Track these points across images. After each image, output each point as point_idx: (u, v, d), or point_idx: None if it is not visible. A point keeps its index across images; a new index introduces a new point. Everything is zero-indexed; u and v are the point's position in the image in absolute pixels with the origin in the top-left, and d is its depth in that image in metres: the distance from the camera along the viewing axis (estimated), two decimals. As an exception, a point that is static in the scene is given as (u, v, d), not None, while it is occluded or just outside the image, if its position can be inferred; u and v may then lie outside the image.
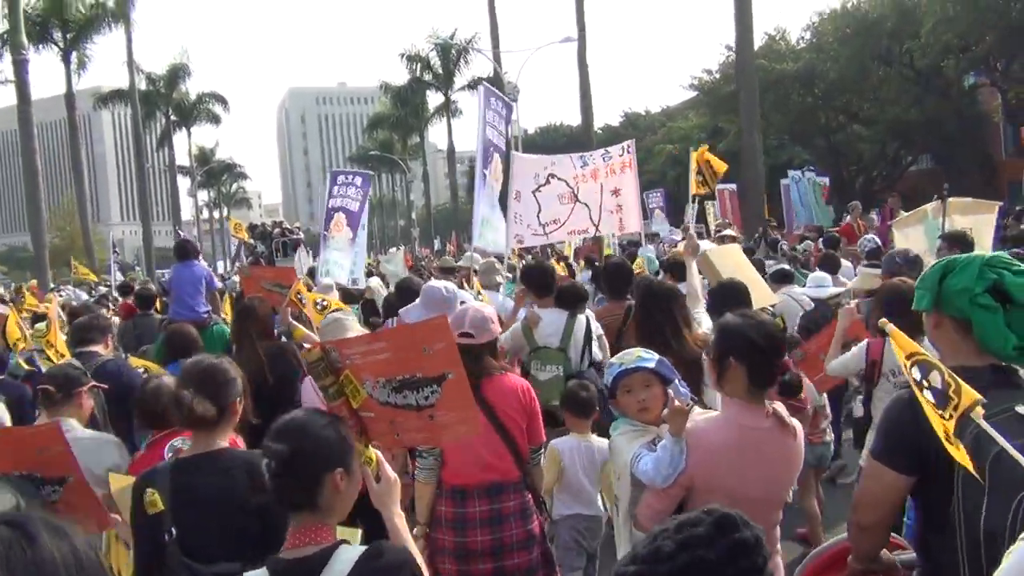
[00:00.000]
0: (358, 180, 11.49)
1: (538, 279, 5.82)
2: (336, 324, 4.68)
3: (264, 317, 5.15)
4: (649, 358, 3.03)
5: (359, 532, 2.59)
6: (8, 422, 4.17)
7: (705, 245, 6.14)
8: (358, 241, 11.24)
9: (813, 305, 6.41)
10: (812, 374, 4.81)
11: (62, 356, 5.20)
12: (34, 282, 11.96)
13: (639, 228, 8.65)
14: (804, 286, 6.94)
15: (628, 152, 8.12)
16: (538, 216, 8.00)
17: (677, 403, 2.85)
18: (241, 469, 2.62)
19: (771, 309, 6.55)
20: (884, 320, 2.12)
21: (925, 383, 1.93)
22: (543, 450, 3.70)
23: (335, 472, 2.01)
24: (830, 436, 5.39)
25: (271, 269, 10.45)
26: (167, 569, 2.50)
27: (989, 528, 1.92)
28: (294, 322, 5.30)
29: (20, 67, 24.33)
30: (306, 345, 2.90)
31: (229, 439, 2.84)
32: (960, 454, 1.84)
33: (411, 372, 2.36)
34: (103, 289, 18.59)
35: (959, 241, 5.90)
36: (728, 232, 14.64)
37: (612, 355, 5.17)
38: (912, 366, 1.97)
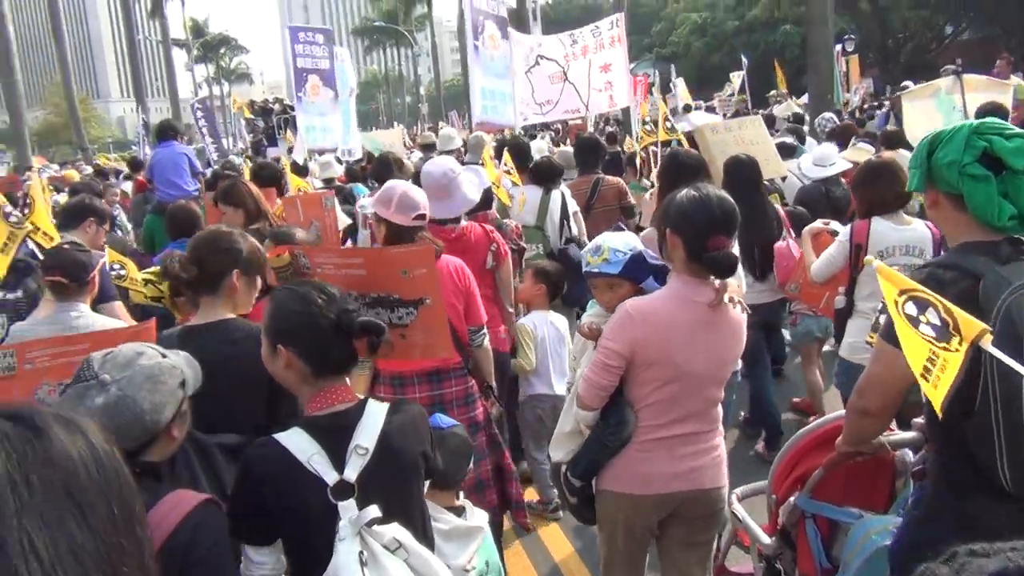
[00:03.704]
0: (319, 37, 10.96)
1: (513, 155, 5.84)
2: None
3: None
4: (616, 260, 2.85)
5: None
6: None
7: (699, 119, 6.07)
8: (343, 104, 10.91)
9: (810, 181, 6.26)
10: (815, 302, 4.63)
11: (51, 238, 4.92)
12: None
13: (629, 103, 8.71)
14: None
15: (617, 26, 8.23)
16: (533, 96, 8.12)
17: (585, 329, 2.87)
18: (250, 339, 2.58)
19: (779, 183, 6.47)
20: (870, 258, 2.00)
21: (923, 319, 1.81)
22: (484, 330, 3.61)
23: None
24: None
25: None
26: None
27: None
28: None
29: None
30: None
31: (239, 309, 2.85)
32: (937, 393, 1.72)
33: (387, 292, 2.42)
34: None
35: (994, 114, 5.61)
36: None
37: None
38: (906, 302, 1.84)
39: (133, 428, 1.84)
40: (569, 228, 5.36)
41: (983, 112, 5.87)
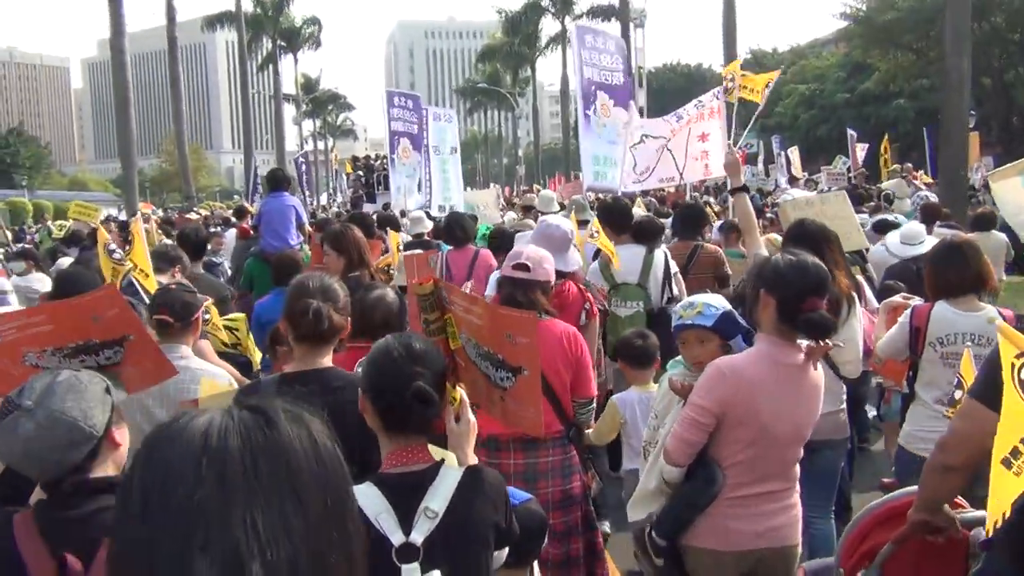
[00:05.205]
0: (410, 103, 11.83)
1: (615, 215, 5.96)
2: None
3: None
4: (710, 313, 3.07)
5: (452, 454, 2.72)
6: None
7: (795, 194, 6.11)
8: (445, 160, 11.51)
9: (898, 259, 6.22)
10: (897, 378, 4.47)
11: (146, 275, 5.17)
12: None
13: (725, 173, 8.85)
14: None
15: (718, 98, 8.37)
16: (634, 168, 8.39)
17: (678, 385, 2.96)
18: (349, 388, 2.59)
19: (865, 255, 6.49)
20: (993, 316, 1.94)
21: None
22: (592, 405, 3.54)
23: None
24: None
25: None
26: None
27: None
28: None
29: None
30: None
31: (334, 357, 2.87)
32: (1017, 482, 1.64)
33: (495, 349, 2.44)
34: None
35: None
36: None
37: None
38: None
39: (75, 437, 1.87)
40: (670, 287, 5.47)
41: None
